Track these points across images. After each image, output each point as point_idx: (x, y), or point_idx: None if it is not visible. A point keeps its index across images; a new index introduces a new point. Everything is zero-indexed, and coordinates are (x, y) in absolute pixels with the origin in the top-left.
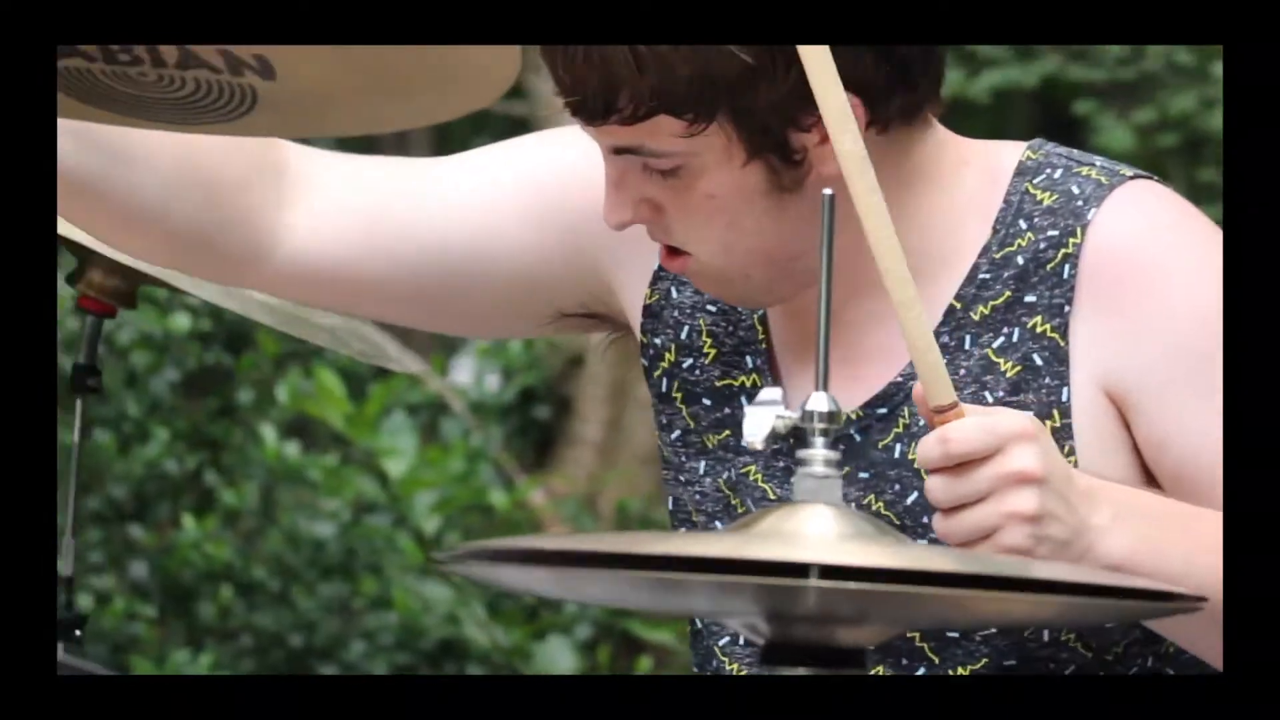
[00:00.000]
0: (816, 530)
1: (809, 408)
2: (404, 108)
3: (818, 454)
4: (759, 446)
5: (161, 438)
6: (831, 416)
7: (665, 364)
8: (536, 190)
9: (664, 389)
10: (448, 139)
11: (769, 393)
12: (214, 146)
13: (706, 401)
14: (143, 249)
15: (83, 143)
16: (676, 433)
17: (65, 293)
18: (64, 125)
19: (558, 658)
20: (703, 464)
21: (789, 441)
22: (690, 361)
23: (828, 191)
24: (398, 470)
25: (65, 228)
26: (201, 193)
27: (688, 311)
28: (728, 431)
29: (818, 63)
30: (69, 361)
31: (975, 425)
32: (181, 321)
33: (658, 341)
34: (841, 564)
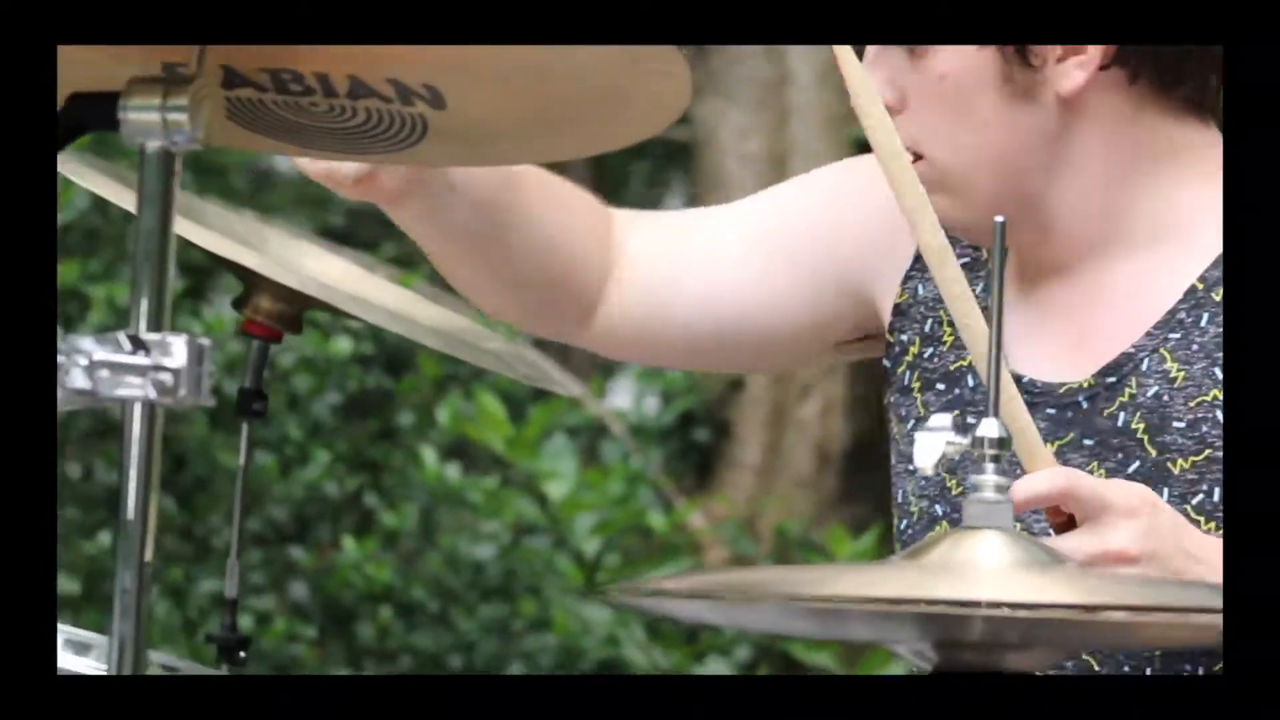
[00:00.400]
0: (987, 559)
1: (979, 434)
2: (573, 136)
3: (988, 479)
4: (929, 472)
5: (322, 460)
6: (1002, 442)
7: (910, 358)
8: (800, 236)
9: (905, 382)
10: (604, 163)
11: (939, 418)
12: (572, 226)
13: (940, 386)
14: (494, 307)
15: (480, 214)
16: (911, 423)
17: (229, 314)
18: (467, 194)
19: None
20: None
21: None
22: (930, 351)
23: (999, 219)
24: (558, 493)
25: (232, 251)
26: (555, 270)
27: (931, 305)
28: (956, 412)
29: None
30: (233, 385)
31: (1090, 482)
32: (343, 345)
33: (904, 338)
34: (1011, 601)
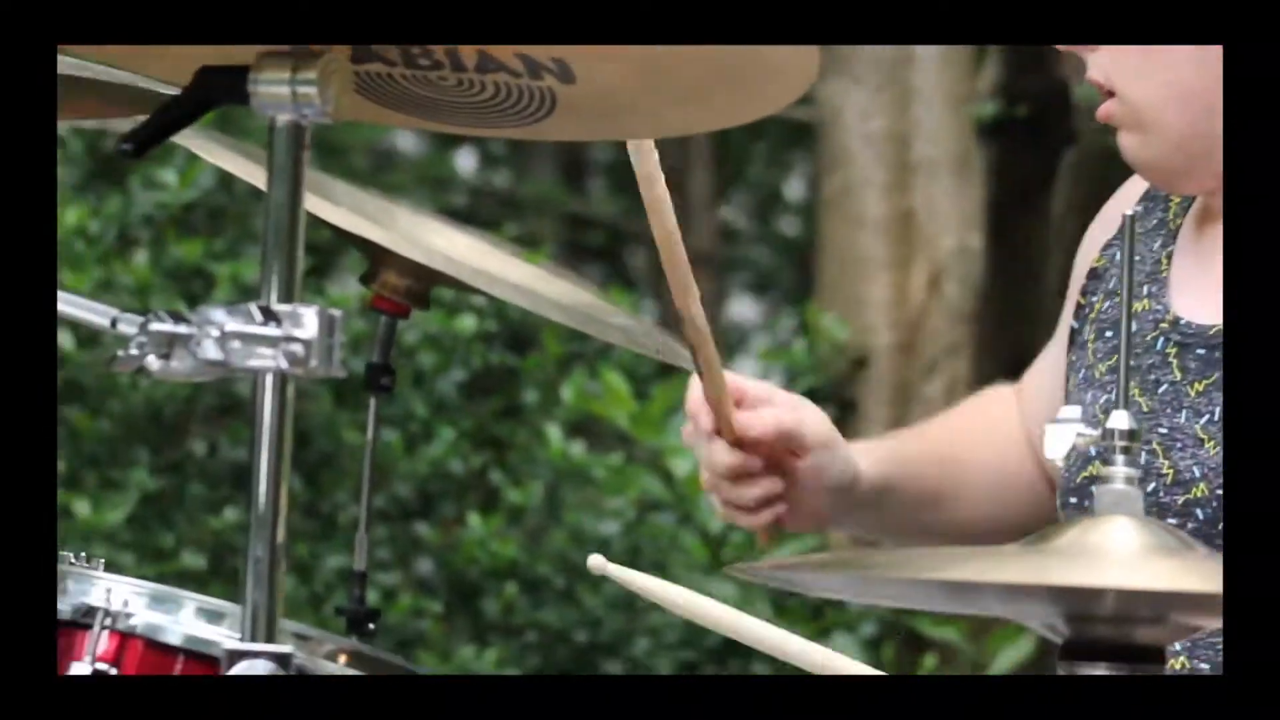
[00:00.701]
0: (1117, 544)
1: (1109, 425)
2: (701, 110)
3: (1119, 471)
4: (1060, 464)
5: (447, 437)
6: (1132, 434)
7: (1094, 315)
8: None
9: (1085, 337)
10: (726, 144)
11: (1068, 410)
12: (1011, 469)
13: (1108, 334)
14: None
15: (918, 506)
16: (1082, 373)
17: (352, 292)
18: (899, 497)
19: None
20: (1089, 395)
21: (1165, 354)
22: (1109, 304)
23: (1127, 212)
24: (683, 469)
25: (361, 226)
26: (1001, 513)
27: (1119, 262)
28: (1116, 357)
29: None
30: (357, 363)
31: None
32: (467, 322)
33: (1093, 299)
34: (1140, 588)
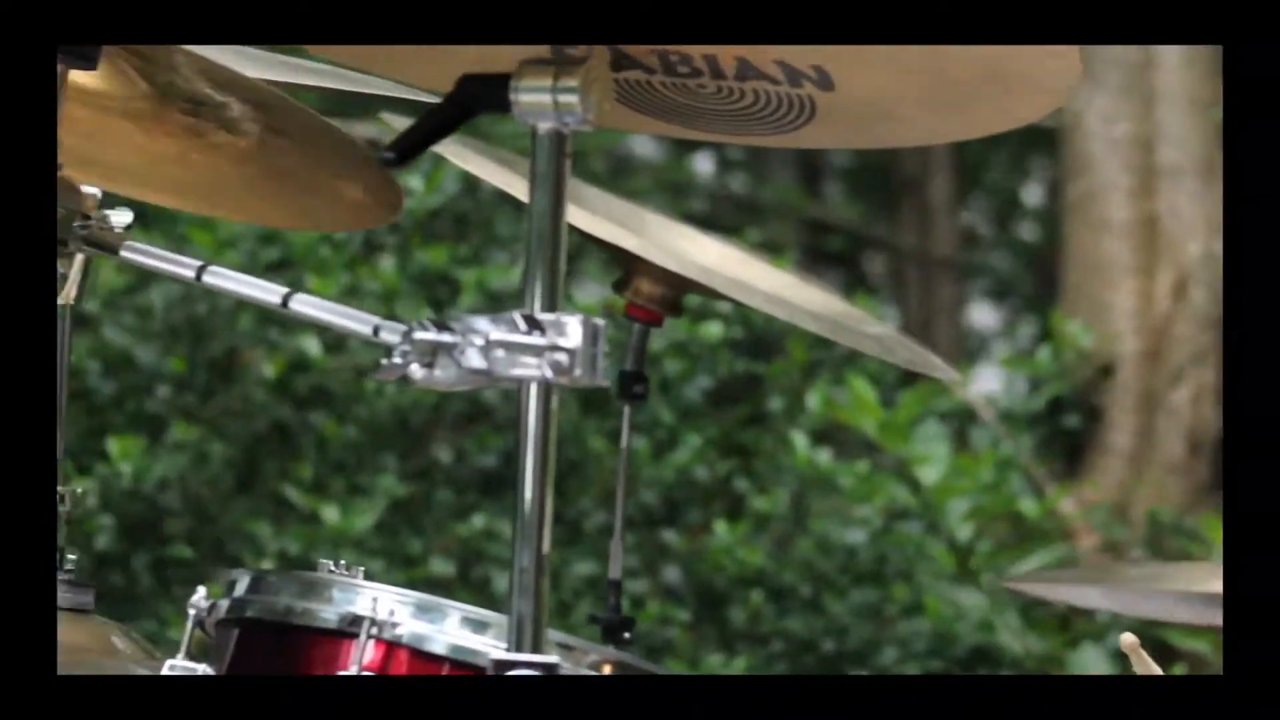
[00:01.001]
0: None
1: None
2: (962, 118)
3: None
4: None
5: (693, 444)
6: None
7: None
8: None
9: None
10: (967, 147)
11: None
12: None
13: None
14: None
15: None
16: None
17: (594, 298)
18: None
19: (1091, 665)
20: None
21: None
22: None
23: None
24: (930, 478)
25: (615, 234)
26: None
27: None
28: None
29: None
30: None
31: None
32: (713, 329)
33: None
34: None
